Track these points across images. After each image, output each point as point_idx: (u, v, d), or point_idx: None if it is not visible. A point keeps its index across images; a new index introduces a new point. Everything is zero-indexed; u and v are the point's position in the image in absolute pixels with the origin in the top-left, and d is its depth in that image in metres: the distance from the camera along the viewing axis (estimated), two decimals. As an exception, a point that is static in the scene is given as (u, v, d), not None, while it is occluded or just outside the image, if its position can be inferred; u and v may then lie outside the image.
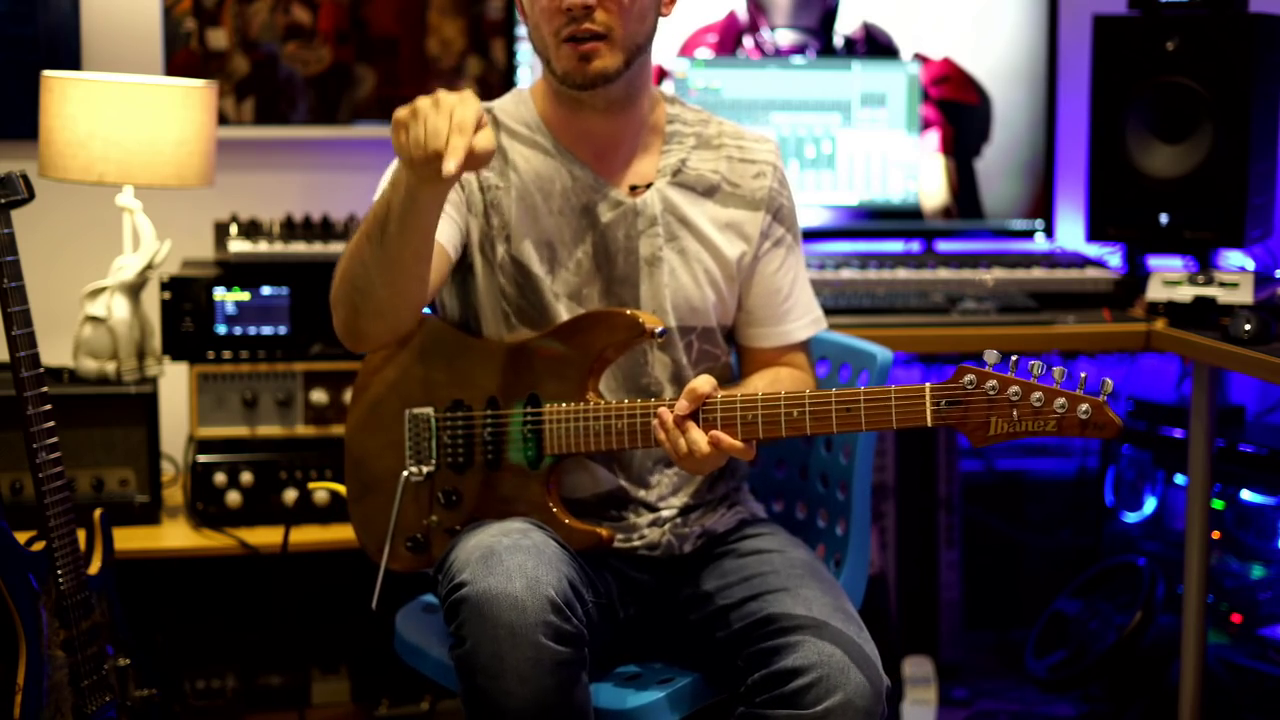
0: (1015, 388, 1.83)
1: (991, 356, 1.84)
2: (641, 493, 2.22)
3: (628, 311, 2.14)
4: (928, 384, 1.87)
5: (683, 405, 1.99)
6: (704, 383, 1.99)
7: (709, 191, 2.23)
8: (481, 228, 2.19)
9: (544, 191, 2.19)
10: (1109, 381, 1.80)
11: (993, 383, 1.84)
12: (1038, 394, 1.82)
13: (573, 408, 2.11)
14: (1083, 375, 1.82)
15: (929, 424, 1.87)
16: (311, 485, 2.88)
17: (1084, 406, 1.80)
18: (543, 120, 2.21)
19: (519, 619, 1.87)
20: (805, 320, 2.32)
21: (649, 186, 2.21)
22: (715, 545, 2.23)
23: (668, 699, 2.10)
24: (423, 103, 1.84)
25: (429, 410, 2.22)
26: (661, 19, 2.17)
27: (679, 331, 2.22)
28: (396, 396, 2.24)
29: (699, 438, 1.97)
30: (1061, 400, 1.81)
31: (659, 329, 2.10)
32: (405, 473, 2.22)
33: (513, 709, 1.87)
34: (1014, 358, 1.84)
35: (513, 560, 1.92)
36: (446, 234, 2.13)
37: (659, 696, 2.09)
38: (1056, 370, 1.82)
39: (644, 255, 2.19)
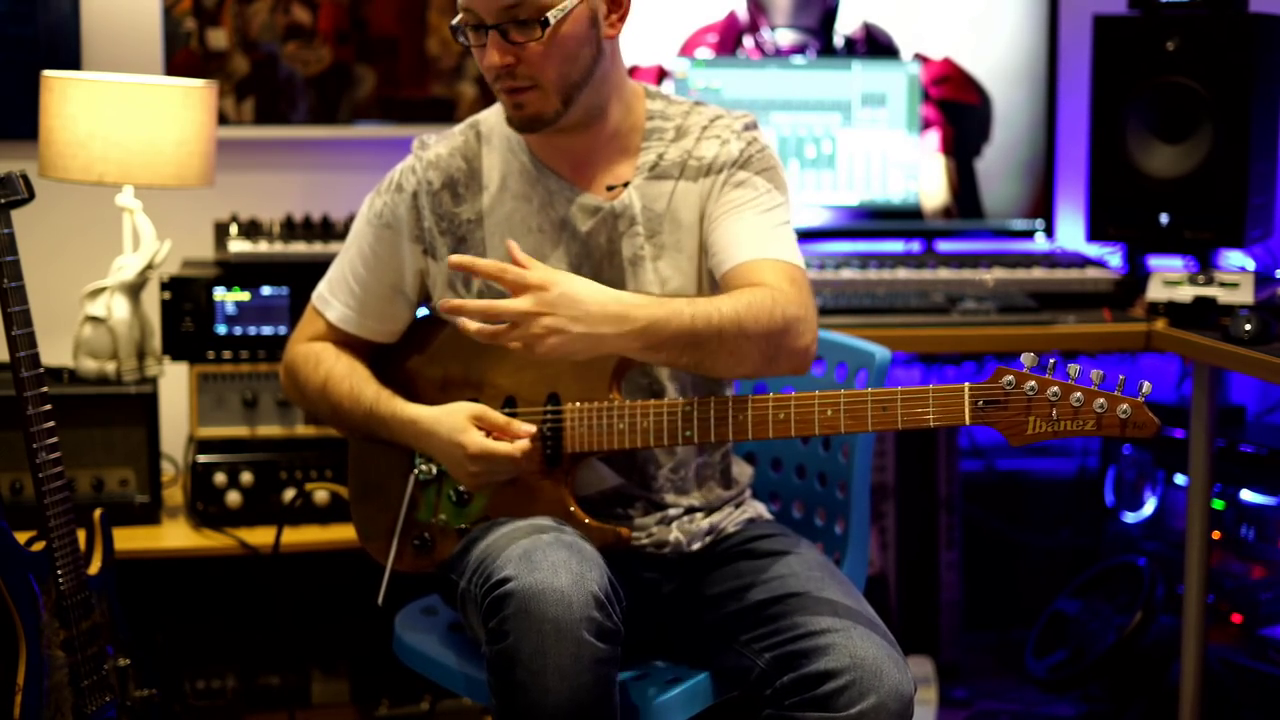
0: (1054, 388, 1.84)
1: (1028, 358, 1.86)
2: (647, 491, 2.23)
3: None
4: (966, 384, 1.89)
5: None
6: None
7: (679, 173, 2.19)
8: (449, 270, 2.20)
9: (522, 210, 2.19)
10: (1147, 384, 1.82)
11: (1032, 383, 1.85)
12: (1077, 394, 1.83)
13: (593, 405, 2.11)
14: (1121, 377, 1.84)
15: (967, 423, 1.88)
16: (310, 486, 2.88)
17: (1123, 406, 1.81)
18: (521, 135, 2.21)
19: (565, 614, 1.87)
20: (760, 246, 2.10)
21: (626, 185, 2.19)
22: (726, 545, 2.23)
23: (678, 698, 2.10)
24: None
25: None
26: (607, 40, 2.12)
27: None
28: (405, 395, 2.24)
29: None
30: (1101, 400, 1.82)
31: None
32: (415, 471, 2.22)
33: (550, 705, 1.87)
34: (1051, 360, 1.86)
35: (556, 556, 1.93)
36: (383, 327, 2.30)
37: (670, 695, 2.10)
38: (1094, 372, 1.84)
39: (627, 256, 2.18)
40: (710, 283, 2.19)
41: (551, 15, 2.04)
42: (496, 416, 2.11)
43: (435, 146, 2.25)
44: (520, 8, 2.03)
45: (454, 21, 2.10)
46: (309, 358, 2.29)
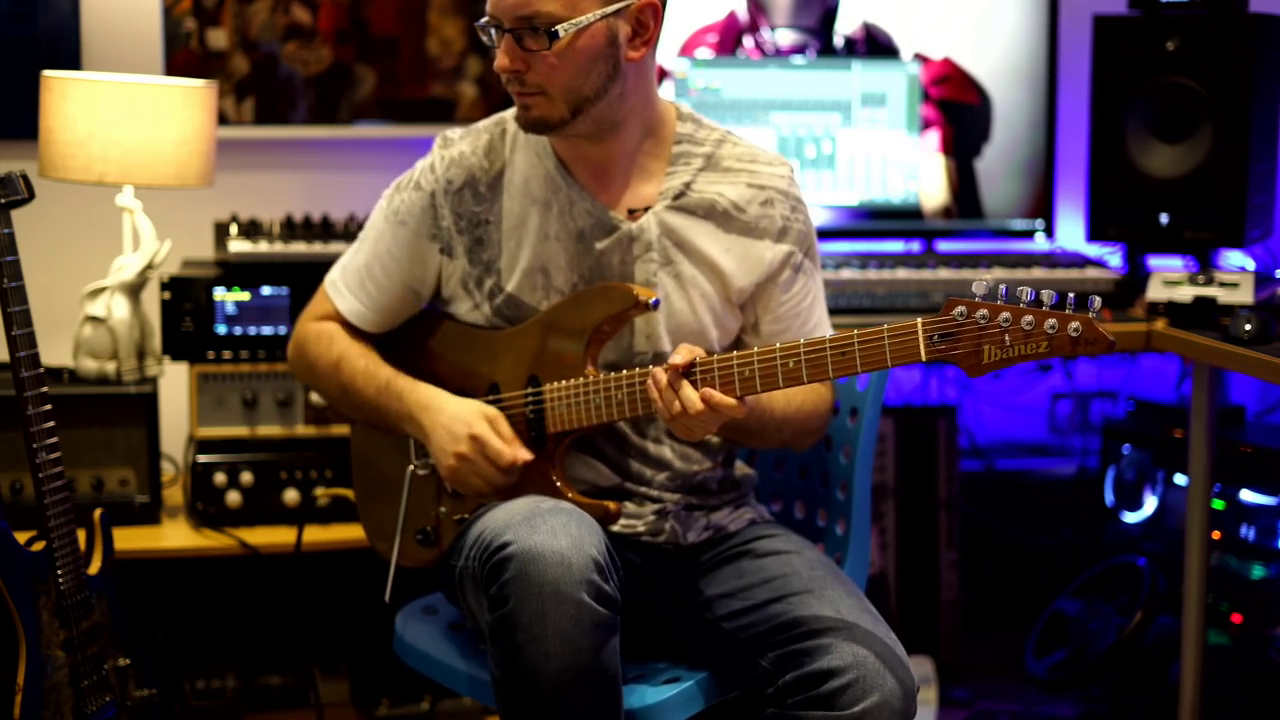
0: (1005, 313, 1.82)
1: (979, 287, 1.84)
2: (643, 487, 2.23)
3: (621, 284, 2.15)
4: (919, 319, 1.88)
5: (677, 360, 2.00)
6: (694, 348, 2.03)
7: (713, 216, 2.20)
8: (464, 268, 2.22)
9: (539, 215, 2.19)
10: (1098, 299, 1.80)
11: (983, 311, 1.84)
12: (1028, 317, 1.81)
13: (571, 383, 2.13)
14: (1070, 295, 1.81)
15: (924, 359, 1.87)
16: (317, 492, 2.89)
17: (1074, 324, 1.80)
18: (548, 138, 2.21)
19: (565, 575, 1.88)
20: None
21: (647, 210, 2.19)
22: (727, 545, 2.24)
23: (678, 698, 2.10)
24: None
25: None
26: (629, 63, 2.11)
27: None
28: None
29: (691, 395, 1.99)
30: (1052, 321, 1.80)
31: (653, 299, 2.11)
32: (410, 467, 2.23)
33: (551, 670, 1.88)
34: (1001, 286, 1.84)
35: (556, 520, 1.95)
36: (387, 320, 2.32)
37: (670, 695, 2.09)
38: (1044, 293, 1.82)
39: (639, 280, 2.18)
40: (725, 311, 2.22)
41: (561, 29, 2.04)
42: (507, 429, 2.16)
43: (459, 144, 2.24)
44: (535, 16, 2.04)
45: (480, 21, 2.11)
46: (321, 336, 2.32)
